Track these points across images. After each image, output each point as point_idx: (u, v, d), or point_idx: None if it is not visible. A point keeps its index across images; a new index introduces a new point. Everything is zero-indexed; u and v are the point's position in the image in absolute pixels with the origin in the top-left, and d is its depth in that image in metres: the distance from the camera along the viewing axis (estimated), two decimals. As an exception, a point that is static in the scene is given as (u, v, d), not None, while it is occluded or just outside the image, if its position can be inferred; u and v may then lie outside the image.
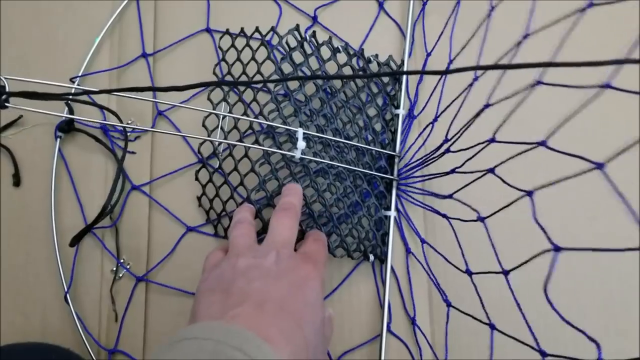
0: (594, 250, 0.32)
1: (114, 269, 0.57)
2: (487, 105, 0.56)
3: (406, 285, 0.57)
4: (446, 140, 0.59)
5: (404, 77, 0.61)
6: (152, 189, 0.59)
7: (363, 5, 0.64)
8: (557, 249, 0.36)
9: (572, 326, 0.36)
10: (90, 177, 0.59)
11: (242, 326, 0.34)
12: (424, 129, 0.60)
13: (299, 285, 0.40)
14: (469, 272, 0.55)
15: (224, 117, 0.55)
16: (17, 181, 0.58)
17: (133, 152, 0.59)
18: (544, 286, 0.34)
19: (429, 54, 0.62)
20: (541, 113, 0.50)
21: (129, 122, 0.60)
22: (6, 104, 0.29)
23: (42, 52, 0.61)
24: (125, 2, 0.62)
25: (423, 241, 0.58)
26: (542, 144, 0.38)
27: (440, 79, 0.60)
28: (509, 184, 0.42)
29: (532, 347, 0.42)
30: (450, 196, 0.58)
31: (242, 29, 0.58)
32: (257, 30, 0.57)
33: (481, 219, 0.50)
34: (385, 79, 0.61)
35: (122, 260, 0.57)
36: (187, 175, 0.59)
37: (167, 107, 0.60)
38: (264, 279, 0.39)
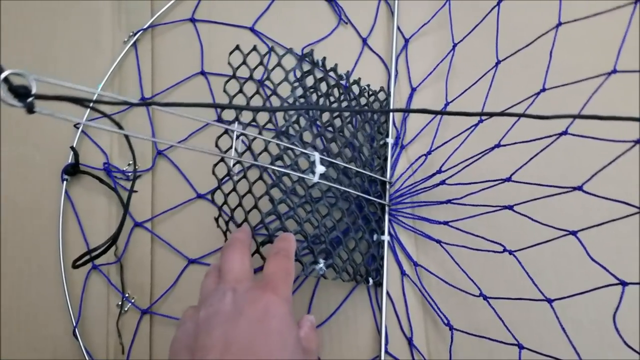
0: None
1: (120, 303, 0.59)
2: (498, 146, 0.60)
3: (402, 307, 0.59)
4: (439, 172, 0.62)
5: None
6: (154, 225, 0.61)
7: (349, 42, 0.68)
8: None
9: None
10: (94, 216, 0.62)
11: None
12: (416, 160, 0.63)
13: (260, 319, 0.38)
14: (484, 296, 0.58)
15: (238, 137, 0.54)
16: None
17: (136, 191, 0.62)
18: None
19: (414, 89, 0.65)
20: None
21: (129, 163, 0.63)
22: (34, 109, 0.27)
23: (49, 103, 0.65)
24: (125, 51, 0.66)
25: (416, 264, 0.60)
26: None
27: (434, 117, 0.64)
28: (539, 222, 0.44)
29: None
30: (446, 223, 0.61)
31: (254, 46, 0.60)
32: (272, 50, 0.57)
33: (510, 252, 0.53)
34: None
35: (127, 295, 0.59)
36: (186, 211, 0.62)
37: (166, 146, 0.63)
38: (224, 324, 0.38)
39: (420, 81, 0.66)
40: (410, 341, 0.58)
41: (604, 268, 0.53)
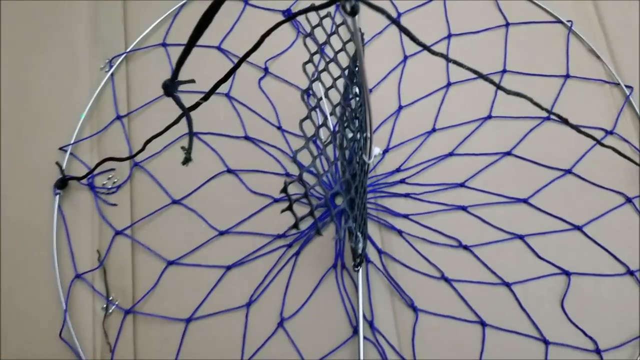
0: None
1: (104, 306, 0.63)
2: (451, 154, 0.67)
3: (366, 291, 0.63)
4: (399, 170, 0.67)
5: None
6: (134, 232, 0.66)
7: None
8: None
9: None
10: (79, 227, 0.66)
11: None
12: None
13: None
14: (446, 278, 0.62)
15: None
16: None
17: (115, 204, 0.67)
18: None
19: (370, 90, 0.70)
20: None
21: (110, 177, 0.68)
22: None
23: (33, 127, 0.70)
24: (103, 83, 0.72)
25: (380, 251, 0.64)
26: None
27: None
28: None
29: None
30: (407, 216, 0.65)
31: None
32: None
33: (466, 247, 0.57)
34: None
35: (110, 298, 0.63)
36: (163, 216, 0.66)
37: (142, 157, 0.68)
38: None
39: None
40: (371, 324, 0.61)
41: (551, 263, 0.64)
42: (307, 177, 0.66)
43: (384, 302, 0.63)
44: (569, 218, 0.65)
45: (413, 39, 0.35)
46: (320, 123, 0.50)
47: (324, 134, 0.54)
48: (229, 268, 0.64)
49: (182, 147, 0.43)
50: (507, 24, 0.74)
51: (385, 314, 0.62)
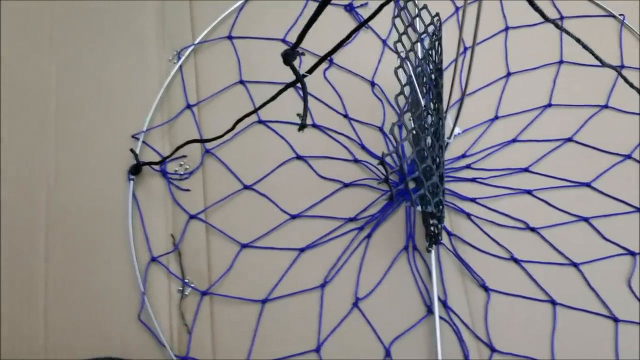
0: None
1: (180, 288, 0.64)
2: (514, 140, 0.69)
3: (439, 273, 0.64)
4: (464, 156, 0.69)
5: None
6: (207, 216, 0.67)
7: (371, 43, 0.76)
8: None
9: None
10: (153, 213, 0.67)
11: None
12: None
13: None
14: (515, 259, 0.65)
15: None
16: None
17: (188, 190, 0.68)
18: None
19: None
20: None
21: (182, 164, 0.69)
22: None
23: (106, 119, 0.72)
24: (172, 74, 0.74)
25: (450, 234, 0.66)
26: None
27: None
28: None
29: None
30: (474, 200, 0.67)
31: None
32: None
33: (534, 229, 0.59)
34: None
35: (187, 280, 0.64)
36: (235, 201, 0.68)
37: (212, 145, 0.70)
38: None
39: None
40: (444, 303, 0.63)
41: (616, 244, 0.66)
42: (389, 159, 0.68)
43: (456, 283, 0.64)
44: (630, 200, 0.67)
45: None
46: (410, 99, 0.53)
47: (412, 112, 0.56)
48: (302, 250, 0.65)
49: (298, 114, 0.45)
50: (562, 17, 0.76)
51: (457, 294, 0.63)
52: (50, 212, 0.67)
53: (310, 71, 0.47)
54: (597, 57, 0.44)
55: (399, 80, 0.50)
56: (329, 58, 0.73)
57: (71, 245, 0.66)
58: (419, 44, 0.56)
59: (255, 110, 0.53)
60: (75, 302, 0.63)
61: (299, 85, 0.46)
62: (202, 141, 0.62)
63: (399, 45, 0.53)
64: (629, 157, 0.69)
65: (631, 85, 0.45)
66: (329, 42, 0.45)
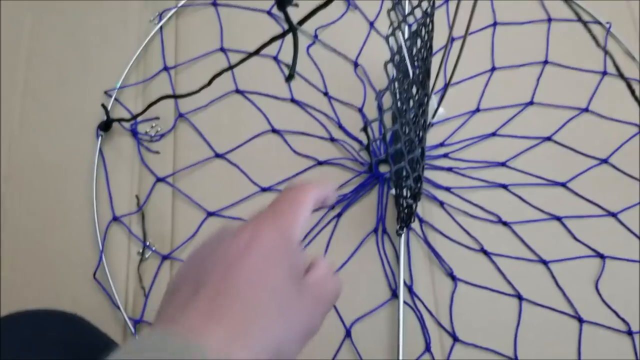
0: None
1: (140, 251, 0.61)
2: (494, 134, 0.68)
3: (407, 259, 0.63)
4: (442, 144, 0.68)
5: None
6: (175, 181, 0.65)
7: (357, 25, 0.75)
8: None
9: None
10: (120, 172, 0.65)
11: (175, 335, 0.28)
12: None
13: (237, 254, 0.31)
14: (485, 251, 0.63)
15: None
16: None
17: (157, 152, 0.66)
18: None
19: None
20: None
21: (153, 125, 0.67)
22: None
23: (79, 73, 0.70)
24: (151, 35, 0.72)
25: (422, 220, 0.64)
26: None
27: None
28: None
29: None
30: (449, 189, 0.66)
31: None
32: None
33: (506, 223, 0.58)
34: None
35: (148, 243, 0.62)
36: (206, 168, 0.66)
37: (188, 110, 0.68)
38: (204, 260, 0.33)
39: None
40: (410, 289, 0.61)
41: (586, 245, 0.65)
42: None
43: (423, 270, 0.63)
44: (604, 204, 0.67)
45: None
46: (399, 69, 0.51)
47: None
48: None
49: (286, 65, 0.43)
50: (550, 20, 0.76)
51: (423, 281, 0.62)
52: (11, 161, 0.65)
53: (302, 22, 0.45)
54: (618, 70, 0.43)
55: (389, 47, 0.49)
56: (314, 35, 0.73)
57: (30, 197, 0.63)
58: (411, 16, 0.55)
59: (236, 65, 0.51)
60: (31, 255, 0.61)
61: (287, 66, 0.44)
62: (175, 97, 0.60)
63: (392, 13, 0.52)
64: (605, 161, 0.69)
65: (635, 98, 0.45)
66: (320, 20, 0.43)
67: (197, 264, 0.32)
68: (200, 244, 0.35)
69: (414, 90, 0.56)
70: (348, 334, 0.59)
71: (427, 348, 0.59)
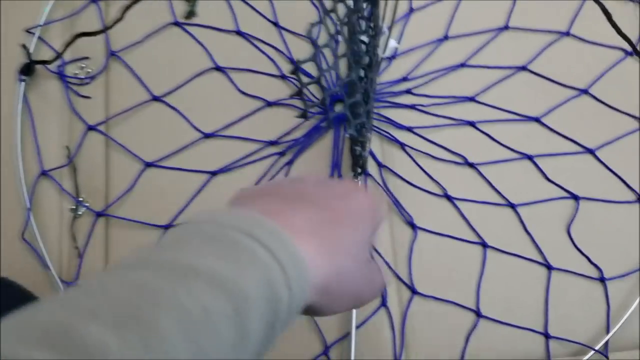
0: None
1: (73, 207, 0.57)
2: (463, 65, 0.61)
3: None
4: (405, 79, 0.61)
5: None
6: (108, 129, 0.59)
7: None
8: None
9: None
10: (48, 120, 0.59)
11: (259, 214, 0.29)
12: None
13: (346, 195, 0.35)
14: (448, 196, 0.58)
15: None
16: None
17: (88, 97, 0.60)
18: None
19: None
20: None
21: (83, 66, 0.60)
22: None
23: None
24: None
25: (380, 165, 0.59)
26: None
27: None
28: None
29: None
30: (411, 129, 0.60)
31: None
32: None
33: (472, 164, 0.52)
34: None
35: (81, 199, 0.57)
36: (142, 113, 0.60)
37: (120, 47, 0.61)
38: (323, 191, 0.35)
39: None
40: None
41: (560, 186, 0.60)
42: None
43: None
44: (581, 141, 0.61)
45: None
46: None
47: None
48: (214, 174, 0.58)
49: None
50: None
51: (381, 230, 0.58)
52: None
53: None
54: None
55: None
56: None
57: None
58: None
59: None
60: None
61: None
62: (90, 34, 0.53)
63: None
64: (585, 92, 0.62)
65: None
66: None
67: (293, 187, 0.35)
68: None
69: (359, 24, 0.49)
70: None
71: (383, 302, 0.55)
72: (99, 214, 0.56)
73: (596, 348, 0.54)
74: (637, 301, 0.56)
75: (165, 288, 0.24)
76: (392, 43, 0.51)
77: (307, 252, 0.29)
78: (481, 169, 0.59)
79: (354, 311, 0.53)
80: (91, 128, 0.58)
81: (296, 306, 0.28)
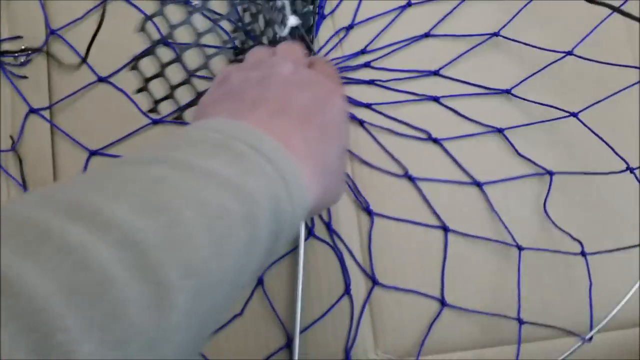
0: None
1: (21, 200, 0.54)
2: (427, 34, 0.57)
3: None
4: (363, 52, 0.57)
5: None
6: (53, 115, 0.56)
7: None
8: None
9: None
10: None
11: (257, 128, 0.30)
12: (337, 32, 0.58)
13: (323, 98, 0.35)
14: (410, 177, 0.55)
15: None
16: None
17: (25, 77, 0.56)
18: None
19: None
20: None
21: (23, 47, 0.57)
22: None
23: None
24: None
25: (339, 145, 0.56)
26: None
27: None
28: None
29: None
30: (369, 105, 0.57)
31: None
32: None
33: (436, 140, 0.49)
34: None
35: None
36: (88, 96, 0.56)
37: (61, 24, 0.57)
38: (283, 87, 0.34)
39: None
40: (328, 225, 0.55)
41: (532, 162, 0.57)
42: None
43: (345, 203, 0.55)
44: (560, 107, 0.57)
45: None
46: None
47: None
48: (164, 161, 0.55)
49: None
50: None
51: (346, 215, 0.55)
52: None
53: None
54: None
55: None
56: None
57: None
58: None
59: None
60: None
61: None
62: None
63: None
64: (570, 53, 0.57)
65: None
66: None
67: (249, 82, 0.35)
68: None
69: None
70: (260, 282, 0.53)
71: (347, 290, 0.54)
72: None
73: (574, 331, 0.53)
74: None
75: (184, 183, 0.25)
76: (292, 20, 0.47)
77: (306, 175, 0.31)
78: (446, 144, 0.56)
79: (298, 311, 0.51)
80: (33, 111, 0.55)
81: (295, 225, 0.30)
